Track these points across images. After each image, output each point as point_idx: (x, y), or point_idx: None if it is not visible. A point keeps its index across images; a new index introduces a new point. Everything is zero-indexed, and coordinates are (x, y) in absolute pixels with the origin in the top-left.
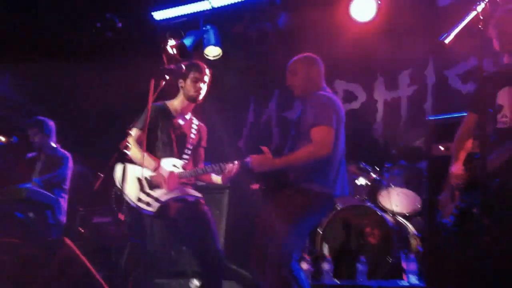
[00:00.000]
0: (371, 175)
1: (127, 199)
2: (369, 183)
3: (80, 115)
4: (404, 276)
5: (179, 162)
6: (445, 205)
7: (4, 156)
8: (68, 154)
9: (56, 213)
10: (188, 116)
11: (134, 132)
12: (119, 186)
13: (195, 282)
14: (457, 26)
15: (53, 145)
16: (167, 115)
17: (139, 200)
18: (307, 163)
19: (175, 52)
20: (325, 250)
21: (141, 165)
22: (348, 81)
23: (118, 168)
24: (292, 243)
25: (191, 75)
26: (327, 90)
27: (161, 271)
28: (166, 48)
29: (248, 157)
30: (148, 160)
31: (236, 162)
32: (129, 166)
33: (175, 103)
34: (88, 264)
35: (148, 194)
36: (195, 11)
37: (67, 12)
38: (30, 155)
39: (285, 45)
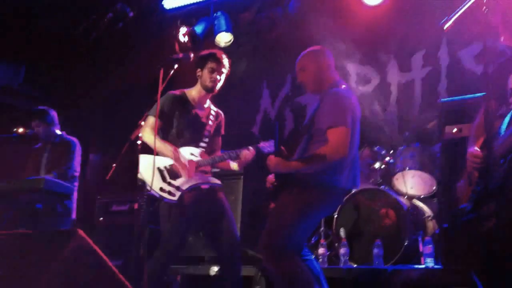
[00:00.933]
0: (385, 159)
1: (149, 189)
2: (383, 166)
3: (93, 104)
4: (421, 259)
5: (196, 151)
6: (464, 191)
7: (18, 148)
8: (75, 139)
9: (69, 201)
10: (206, 105)
11: (150, 119)
12: (142, 177)
13: (214, 268)
14: (458, 11)
15: (58, 132)
16: (184, 104)
17: (162, 189)
18: (323, 165)
19: (186, 39)
20: (341, 233)
21: (160, 153)
22: (361, 64)
23: (141, 159)
24: (300, 234)
25: (208, 65)
26: (341, 84)
27: (178, 257)
28: (178, 36)
29: (262, 143)
30: (168, 148)
31: (251, 148)
32: (150, 157)
33: (193, 92)
34: (102, 254)
35: (169, 184)
36: None
37: (79, 3)
38: (36, 146)
39: (296, 29)
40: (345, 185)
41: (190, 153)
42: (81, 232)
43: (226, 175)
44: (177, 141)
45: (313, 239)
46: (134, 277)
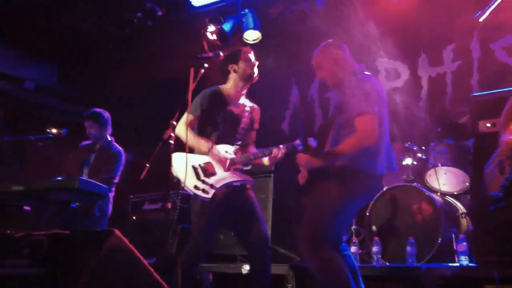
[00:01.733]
0: (417, 155)
1: (185, 187)
2: (415, 163)
3: (124, 102)
4: (455, 257)
5: (231, 148)
6: (493, 179)
7: (54, 148)
8: (121, 149)
9: (102, 205)
10: (241, 101)
11: (188, 117)
12: (176, 175)
13: (246, 267)
14: (493, 4)
15: (109, 138)
16: (221, 100)
17: (196, 187)
18: (353, 154)
19: (215, 37)
20: (373, 231)
21: (196, 149)
22: (391, 59)
23: (175, 157)
24: (339, 225)
25: (242, 56)
26: (362, 70)
27: (210, 255)
28: (206, 34)
29: (296, 141)
30: (204, 144)
31: (281, 146)
32: (184, 155)
33: (228, 87)
34: (138, 254)
35: (203, 182)
36: None
37: (109, 3)
38: (84, 143)
39: (324, 24)
40: (381, 171)
41: (225, 150)
42: (117, 232)
43: (256, 173)
44: (213, 137)
45: (344, 237)
46: (167, 275)
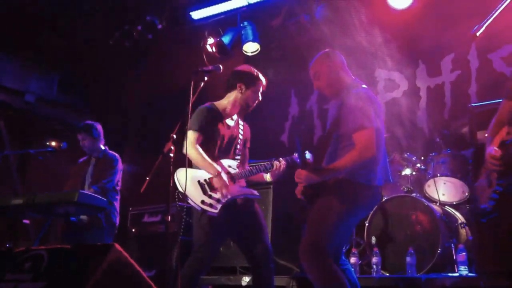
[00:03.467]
0: (416, 165)
1: (191, 202)
2: (414, 173)
3: (125, 115)
4: (455, 267)
5: (234, 163)
6: (483, 191)
7: (55, 161)
8: (117, 155)
9: (109, 215)
10: (235, 117)
11: (192, 135)
12: (182, 190)
13: (246, 278)
14: (490, 18)
15: (102, 147)
16: (218, 116)
17: (203, 202)
18: (353, 168)
19: (214, 50)
20: (373, 242)
21: (204, 169)
22: (389, 70)
23: (180, 173)
24: (340, 237)
25: (256, 85)
26: (359, 84)
27: (210, 267)
28: (206, 47)
29: (294, 154)
30: (211, 168)
31: (281, 159)
32: (189, 171)
33: (225, 103)
34: (138, 268)
35: (210, 196)
36: (232, 8)
37: (109, 16)
38: (81, 160)
39: (323, 37)
40: (379, 182)
41: (228, 165)
42: (117, 246)
43: (255, 184)
44: (215, 153)
45: (344, 249)
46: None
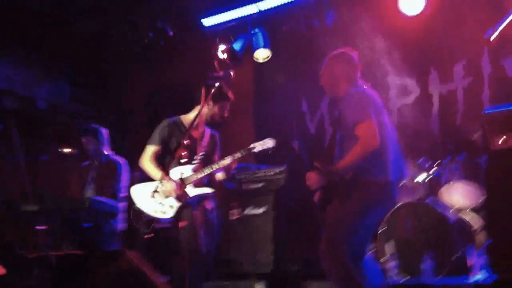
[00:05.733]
0: (430, 171)
1: (145, 213)
2: (428, 179)
3: (134, 121)
4: (471, 272)
5: (188, 168)
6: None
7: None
8: (122, 160)
9: (114, 221)
10: (201, 129)
11: (149, 148)
12: (139, 208)
13: (258, 285)
14: (503, 21)
15: (106, 152)
16: (180, 128)
17: (155, 211)
18: (361, 160)
19: (225, 57)
20: (388, 248)
21: (153, 178)
22: (402, 76)
23: (133, 192)
24: (359, 238)
25: (221, 103)
26: (359, 85)
27: (221, 273)
28: (217, 54)
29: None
30: (156, 173)
31: (235, 154)
32: (141, 185)
33: (191, 117)
34: (149, 274)
35: (162, 204)
36: (243, 15)
37: (120, 23)
38: (84, 164)
39: (334, 42)
40: (391, 178)
41: (180, 172)
42: (128, 252)
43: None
44: (173, 163)
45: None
46: None
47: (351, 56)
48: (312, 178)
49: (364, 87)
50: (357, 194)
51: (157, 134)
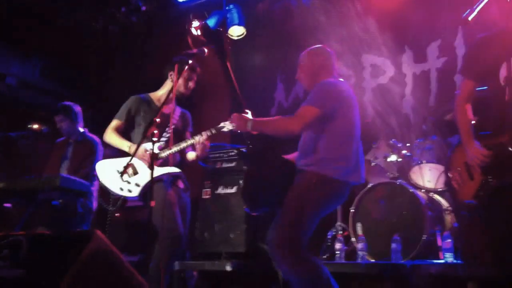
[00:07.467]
0: (401, 152)
1: (110, 191)
2: (400, 160)
3: (108, 99)
4: (440, 254)
5: (154, 145)
6: (463, 184)
7: (36, 145)
8: (97, 138)
9: (88, 200)
10: (172, 105)
11: (113, 122)
12: (103, 184)
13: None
14: (481, 2)
15: (81, 129)
16: (150, 105)
17: (121, 189)
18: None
19: (199, 33)
20: (358, 228)
21: (120, 147)
22: (376, 55)
23: (98, 168)
24: (305, 227)
25: (186, 73)
26: (337, 78)
27: (194, 253)
28: (191, 30)
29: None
30: (124, 144)
31: (204, 132)
32: (107, 161)
33: (160, 93)
34: (120, 255)
35: (128, 182)
36: None
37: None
38: (59, 140)
39: (310, 21)
40: (349, 179)
41: (147, 148)
42: (99, 232)
43: (229, 170)
44: (142, 138)
45: (329, 233)
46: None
47: (327, 51)
48: (235, 117)
49: (340, 79)
50: (312, 189)
51: (123, 109)
